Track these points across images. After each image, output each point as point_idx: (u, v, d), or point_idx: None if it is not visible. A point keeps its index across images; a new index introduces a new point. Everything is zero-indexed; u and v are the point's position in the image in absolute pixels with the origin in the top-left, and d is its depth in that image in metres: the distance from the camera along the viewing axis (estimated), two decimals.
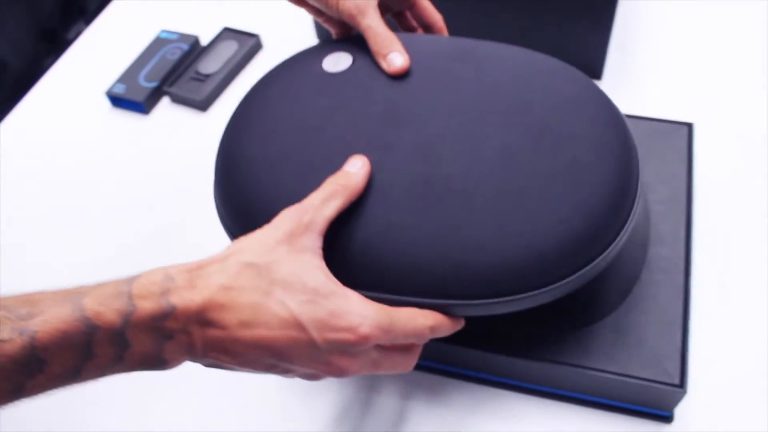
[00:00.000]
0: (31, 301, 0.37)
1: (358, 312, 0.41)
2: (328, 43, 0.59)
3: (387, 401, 0.58)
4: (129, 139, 0.82)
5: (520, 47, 0.56)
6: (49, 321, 0.36)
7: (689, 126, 0.67)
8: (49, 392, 0.38)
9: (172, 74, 0.86)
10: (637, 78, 0.79)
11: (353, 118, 0.51)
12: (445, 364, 0.58)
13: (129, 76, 0.86)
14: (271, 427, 0.57)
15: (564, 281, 0.46)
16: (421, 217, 0.46)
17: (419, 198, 0.47)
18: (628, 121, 0.53)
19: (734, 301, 0.60)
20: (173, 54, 0.88)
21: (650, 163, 0.64)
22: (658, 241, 0.59)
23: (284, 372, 0.43)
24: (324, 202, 0.44)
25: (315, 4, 0.57)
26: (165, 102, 0.86)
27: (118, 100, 0.85)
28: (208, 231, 0.71)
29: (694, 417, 0.54)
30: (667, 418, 0.54)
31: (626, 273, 0.56)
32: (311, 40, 0.89)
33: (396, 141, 0.49)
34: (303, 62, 0.57)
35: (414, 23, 0.63)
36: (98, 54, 0.93)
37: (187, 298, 0.39)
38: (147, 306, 0.39)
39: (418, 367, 0.58)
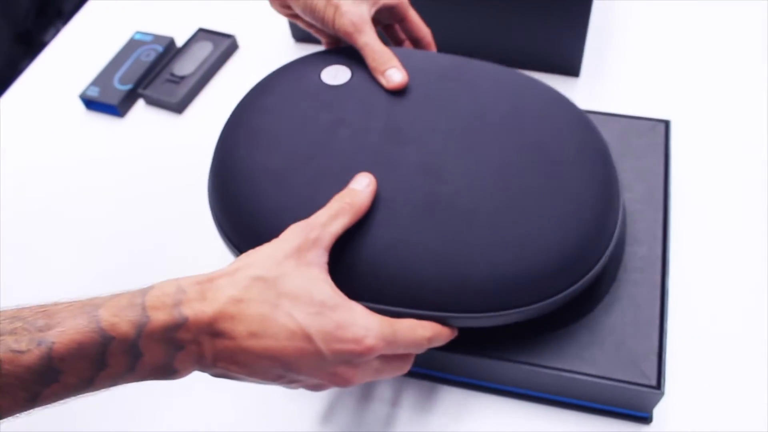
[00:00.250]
0: (47, 312, 0.38)
1: (363, 324, 0.43)
2: (323, 54, 0.60)
3: (373, 407, 0.57)
4: (104, 143, 0.81)
5: (509, 68, 0.58)
6: (66, 332, 0.37)
7: (666, 123, 0.66)
8: (62, 401, 0.39)
9: (147, 76, 0.85)
10: (614, 76, 0.79)
11: (356, 133, 0.52)
12: (426, 368, 0.58)
13: (103, 78, 0.85)
14: None
15: (558, 296, 0.49)
16: (424, 233, 0.48)
17: (422, 215, 0.48)
18: (601, 122, 0.57)
19: (711, 300, 0.60)
20: (148, 56, 0.86)
21: (627, 161, 0.64)
22: (635, 240, 0.58)
23: (290, 382, 0.44)
24: (331, 219, 0.46)
25: (310, 20, 0.59)
26: (140, 105, 0.84)
27: (92, 103, 0.84)
28: (185, 234, 0.71)
29: (673, 417, 0.54)
30: (645, 419, 0.54)
31: (602, 273, 0.56)
32: (287, 40, 0.88)
33: (399, 158, 0.51)
34: (300, 72, 0.58)
35: (402, 36, 0.64)
36: (72, 56, 0.92)
37: (198, 309, 0.40)
38: (160, 317, 0.39)
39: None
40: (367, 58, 0.56)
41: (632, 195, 0.61)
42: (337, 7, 0.56)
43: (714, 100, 0.75)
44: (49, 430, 0.55)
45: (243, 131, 0.55)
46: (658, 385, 0.50)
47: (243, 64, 0.87)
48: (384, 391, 0.58)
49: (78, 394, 0.39)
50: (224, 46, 0.87)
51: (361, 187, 0.48)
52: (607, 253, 0.52)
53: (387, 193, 0.49)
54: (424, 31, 0.63)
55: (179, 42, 0.89)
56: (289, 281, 0.42)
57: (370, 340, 0.43)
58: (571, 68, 0.78)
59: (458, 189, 0.49)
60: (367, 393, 0.58)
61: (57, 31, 0.99)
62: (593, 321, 0.54)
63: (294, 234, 0.45)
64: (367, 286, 0.48)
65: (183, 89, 0.83)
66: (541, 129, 0.53)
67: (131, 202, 0.75)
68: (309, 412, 0.57)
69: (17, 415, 0.38)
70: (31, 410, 0.38)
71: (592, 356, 0.52)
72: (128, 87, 0.83)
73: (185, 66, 0.85)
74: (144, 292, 0.41)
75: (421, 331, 0.46)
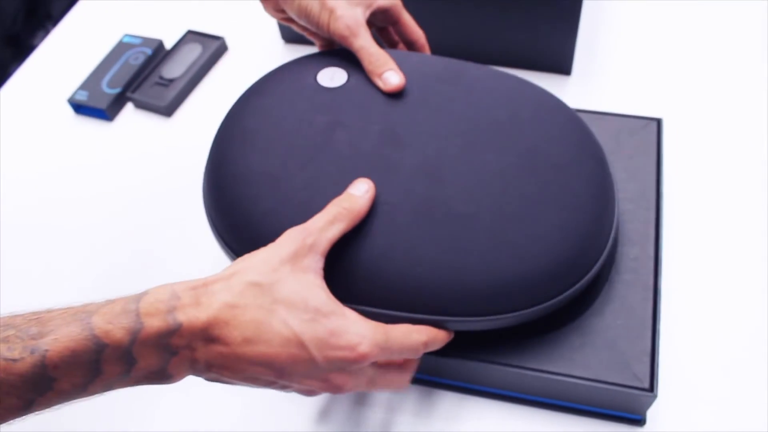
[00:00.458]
0: (40, 319, 0.38)
1: (357, 331, 0.43)
2: (319, 56, 0.60)
3: (371, 413, 0.57)
4: (93, 147, 0.81)
5: (505, 72, 0.58)
6: (59, 340, 0.37)
7: (658, 121, 0.66)
8: (56, 407, 0.39)
9: (136, 80, 0.84)
10: (605, 74, 0.78)
11: (353, 136, 0.52)
12: (418, 372, 0.57)
13: (91, 82, 0.84)
14: None
15: (555, 299, 0.49)
16: (421, 237, 0.48)
17: (419, 219, 0.48)
18: (592, 121, 0.57)
19: (704, 301, 0.59)
20: (136, 59, 0.86)
21: (619, 159, 0.63)
22: (627, 240, 0.58)
23: (282, 388, 0.44)
24: (328, 225, 0.46)
25: (305, 24, 0.59)
26: (129, 108, 0.84)
27: (80, 108, 0.83)
28: (176, 237, 0.70)
29: (666, 420, 0.54)
30: (639, 421, 0.54)
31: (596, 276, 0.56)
32: (277, 41, 0.88)
33: (396, 162, 0.51)
34: (296, 74, 0.58)
35: (396, 38, 0.64)
36: (61, 60, 0.91)
37: (192, 315, 0.40)
38: (154, 323, 0.39)
39: None
40: (363, 61, 0.56)
41: (624, 194, 0.61)
42: (331, 11, 0.56)
43: (706, 98, 0.74)
44: (47, 430, 0.55)
45: (238, 133, 0.54)
46: (651, 388, 0.50)
47: (232, 66, 0.87)
48: (379, 396, 0.57)
49: (72, 400, 0.39)
50: (213, 48, 0.86)
51: (360, 192, 0.48)
52: (603, 257, 0.52)
53: (383, 196, 0.49)
54: (417, 33, 0.63)
55: (168, 44, 0.89)
56: (284, 287, 0.42)
57: (363, 348, 0.42)
58: (563, 66, 0.77)
59: (455, 193, 0.49)
60: (362, 397, 0.57)
61: (46, 34, 0.98)
62: (585, 323, 0.54)
63: (290, 239, 0.44)
64: (363, 289, 0.48)
65: (172, 92, 0.82)
66: (538, 133, 0.53)
67: (121, 206, 0.74)
68: (306, 412, 0.57)
69: (10, 421, 0.37)
70: (24, 417, 0.38)
71: (583, 359, 0.52)
72: (117, 91, 0.83)
73: (174, 69, 0.84)
74: (138, 298, 0.40)
75: (416, 336, 0.46)
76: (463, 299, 0.47)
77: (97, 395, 0.40)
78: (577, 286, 0.50)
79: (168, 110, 0.81)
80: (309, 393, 0.46)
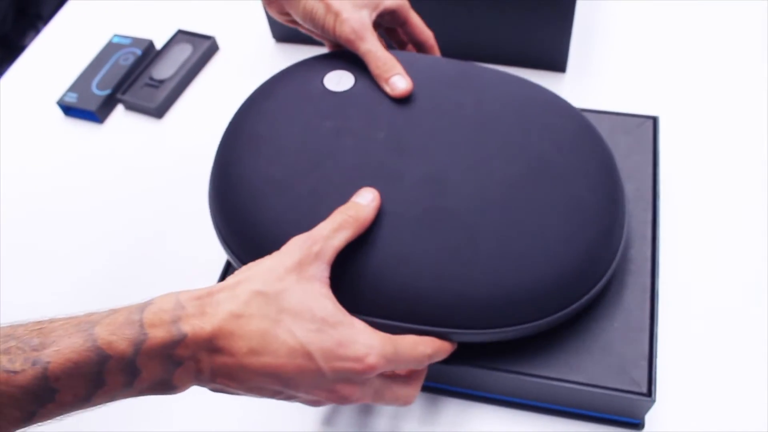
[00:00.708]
0: (42, 330, 0.38)
1: (365, 342, 0.42)
2: (325, 58, 0.59)
3: (377, 420, 0.56)
4: (83, 150, 0.80)
5: (515, 76, 0.57)
6: (61, 351, 0.37)
7: (654, 119, 0.65)
8: (58, 419, 0.38)
9: (126, 81, 0.83)
10: (601, 71, 0.77)
11: (359, 143, 0.51)
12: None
13: (81, 83, 0.83)
14: None
15: (561, 312, 0.48)
16: (427, 249, 0.47)
17: (426, 230, 0.48)
18: (592, 118, 0.56)
19: (703, 302, 0.58)
20: (126, 59, 0.85)
21: (615, 159, 0.62)
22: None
23: (288, 398, 0.44)
24: (333, 233, 0.45)
25: (310, 28, 0.58)
26: (119, 110, 0.83)
27: (70, 110, 0.82)
28: (168, 239, 0.69)
29: (665, 423, 0.53)
30: (637, 425, 0.53)
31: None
32: (268, 40, 0.87)
33: (403, 171, 0.50)
34: (303, 78, 0.57)
35: (405, 39, 0.64)
36: (50, 61, 0.90)
37: (197, 325, 0.40)
38: (158, 334, 0.39)
39: None
40: (370, 66, 0.55)
41: None
42: (337, 15, 0.55)
43: (703, 96, 0.73)
44: (50, 430, 0.54)
45: (244, 138, 0.54)
46: (649, 393, 0.49)
47: (224, 65, 0.86)
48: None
49: (74, 412, 0.39)
50: (204, 48, 0.85)
51: (365, 201, 0.47)
52: (612, 269, 0.51)
53: (388, 206, 0.48)
54: (426, 33, 0.62)
55: (158, 44, 0.88)
56: (290, 297, 0.42)
57: (371, 359, 0.42)
58: (557, 64, 0.76)
59: (460, 203, 0.49)
60: (367, 404, 0.56)
61: (36, 34, 0.97)
62: (581, 326, 0.53)
63: (296, 247, 0.44)
64: (367, 300, 0.47)
65: (162, 93, 0.81)
66: (547, 141, 0.52)
67: (112, 210, 0.73)
68: (312, 418, 0.56)
69: None
70: (26, 428, 0.37)
71: (580, 363, 0.51)
72: (107, 92, 0.82)
73: (164, 69, 0.83)
74: (141, 308, 0.40)
75: (422, 348, 0.46)
76: (468, 312, 0.47)
77: (100, 406, 0.39)
78: (584, 299, 0.49)
79: (159, 112, 0.80)
80: (315, 403, 0.45)
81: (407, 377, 0.47)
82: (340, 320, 0.42)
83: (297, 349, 0.40)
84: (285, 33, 0.84)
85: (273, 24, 0.85)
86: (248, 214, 0.50)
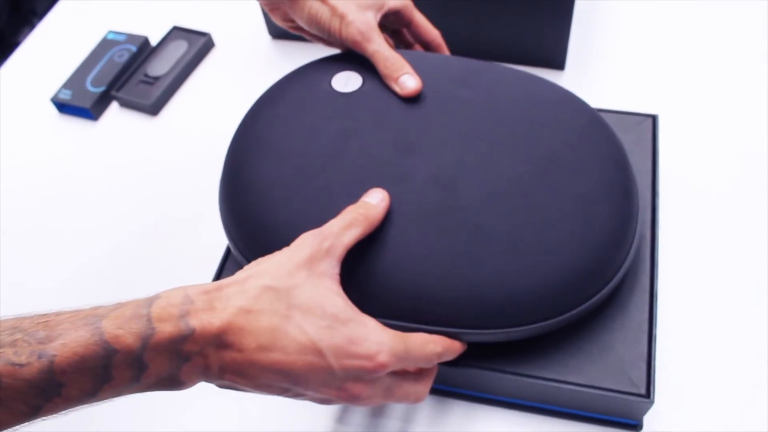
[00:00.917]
0: (49, 323, 0.37)
1: (376, 339, 0.42)
2: (333, 59, 0.59)
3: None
4: (78, 147, 0.79)
5: (525, 72, 0.57)
6: (67, 345, 0.36)
7: (654, 118, 0.64)
8: (64, 413, 0.38)
9: (120, 78, 0.82)
10: (600, 69, 0.77)
11: (367, 144, 0.51)
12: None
13: (75, 80, 0.82)
14: None
15: (573, 312, 0.48)
16: (436, 249, 0.47)
17: (434, 230, 0.47)
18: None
19: (702, 302, 0.58)
20: (121, 56, 0.84)
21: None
22: None
23: (296, 396, 0.43)
24: (343, 230, 0.45)
25: (316, 32, 0.58)
26: (114, 107, 0.82)
27: (64, 107, 0.82)
28: (164, 237, 0.69)
29: (664, 425, 0.52)
30: (635, 427, 0.52)
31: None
32: (264, 36, 0.86)
33: (411, 171, 0.50)
34: (311, 79, 0.57)
35: (411, 39, 0.63)
36: (44, 58, 0.89)
37: (206, 320, 0.39)
38: (166, 329, 0.38)
39: None
40: (378, 66, 0.55)
41: None
42: (342, 17, 0.55)
43: (703, 94, 0.73)
44: (55, 430, 0.53)
45: (252, 142, 0.54)
46: (648, 394, 0.48)
47: (219, 62, 0.85)
48: (393, 405, 0.56)
49: (80, 406, 0.38)
50: (199, 45, 0.84)
51: (375, 201, 0.47)
52: (625, 266, 0.50)
53: (397, 207, 0.48)
54: (433, 33, 0.62)
55: (153, 41, 0.87)
56: (300, 292, 0.41)
57: (382, 357, 0.41)
58: (556, 61, 0.76)
59: (469, 202, 0.48)
60: (375, 407, 0.56)
61: (31, 30, 0.96)
62: (580, 327, 0.52)
63: (306, 243, 0.43)
64: (376, 301, 0.47)
65: (157, 90, 0.80)
66: (558, 138, 0.52)
67: (106, 207, 0.73)
68: (321, 421, 0.56)
69: (17, 427, 0.36)
70: (32, 422, 0.37)
71: (578, 364, 0.50)
72: (101, 89, 0.81)
73: (159, 66, 0.82)
74: (149, 302, 0.39)
75: (432, 346, 0.45)
76: (479, 312, 0.46)
77: (106, 401, 0.39)
78: (596, 297, 0.49)
79: (154, 109, 0.80)
80: (323, 402, 0.44)
81: (417, 374, 0.47)
82: (350, 317, 0.42)
83: (307, 346, 0.40)
84: (281, 30, 0.83)
85: (269, 20, 0.84)
86: (257, 217, 0.50)
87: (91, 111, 0.80)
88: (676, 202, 0.64)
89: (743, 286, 0.58)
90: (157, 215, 0.71)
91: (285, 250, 0.44)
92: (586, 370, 0.50)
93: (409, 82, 0.54)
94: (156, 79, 0.81)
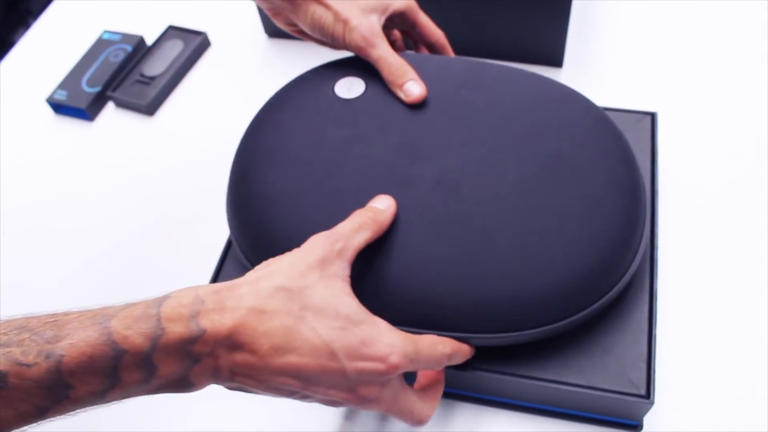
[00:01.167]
0: (57, 322, 0.36)
1: (387, 341, 0.42)
2: (335, 65, 0.59)
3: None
4: (74, 148, 0.78)
5: (530, 72, 0.57)
6: (75, 345, 0.35)
7: (652, 115, 0.64)
8: (72, 414, 0.37)
9: (116, 78, 0.82)
10: (598, 66, 0.76)
11: (371, 150, 0.52)
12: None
13: (71, 81, 0.82)
14: None
15: (582, 313, 0.48)
16: (442, 254, 0.47)
17: (440, 235, 0.47)
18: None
19: (702, 302, 0.58)
20: (116, 56, 0.83)
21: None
22: None
23: (304, 398, 0.43)
24: (354, 232, 0.45)
25: (319, 37, 0.57)
26: (110, 107, 0.82)
27: (60, 107, 0.81)
28: (160, 239, 0.68)
29: (663, 425, 0.52)
30: (636, 427, 0.52)
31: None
32: (260, 35, 0.85)
33: (415, 176, 0.50)
34: (314, 85, 0.57)
35: (417, 40, 0.63)
36: (39, 58, 0.89)
37: (217, 321, 0.38)
38: (176, 329, 0.37)
39: None
40: (382, 72, 0.55)
41: None
42: (346, 23, 0.55)
43: (702, 92, 0.72)
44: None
45: (258, 150, 0.54)
46: (648, 395, 0.48)
47: (216, 61, 0.84)
48: None
49: (88, 408, 0.37)
50: (195, 44, 0.84)
51: (383, 206, 0.48)
52: (634, 266, 0.50)
53: (404, 212, 0.48)
54: (437, 34, 0.62)
55: (149, 40, 0.87)
56: (313, 293, 0.41)
57: (394, 358, 0.41)
58: (554, 59, 0.75)
59: (476, 207, 0.48)
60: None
61: (26, 30, 0.96)
62: (580, 328, 0.52)
63: (318, 244, 0.43)
64: (384, 307, 0.46)
65: (153, 90, 0.80)
66: (563, 138, 0.51)
67: (102, 208, 0.72)
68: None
69: (23, 429, 0.36)
70: (39, 423, 0.36)
71: (579, 365, 0.50)
72: (97, 89, 0.80)
73: (155, 66, 0.82)
74: (159, 301, 0.39)
75: (441, 348, 0.45)
76: (486, 316, 0.46)
77: (115, 403, 0.38)
78: (604, 300, 0.48)
79: (150, 109, 0.79)
80: (332, 404, 0.44)
81: (424, 392, 0.47)
82: (362, 318, 0.42)
83: (320, 348, 0.40)
84: (277, 28, 0.83)
85: (265, 19, 0.83)
86: (265, 226, 0.50)
87: (87, 111, 0.79)
88: (675, 201, 0.63)
89: (743, 286, 0.58)
90: (154, 215, 0.71)
91: (296, 251, 0.43)
92: (587, 372, 0.50)
93: (413, 88, 0.54)
94: (152, 78, 0.81)
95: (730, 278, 0.58)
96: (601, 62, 0.77)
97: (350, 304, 0.42)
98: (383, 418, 0.55)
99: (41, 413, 0.36)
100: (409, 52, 0.60)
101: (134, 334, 0.37)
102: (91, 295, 0.65)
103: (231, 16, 0.88)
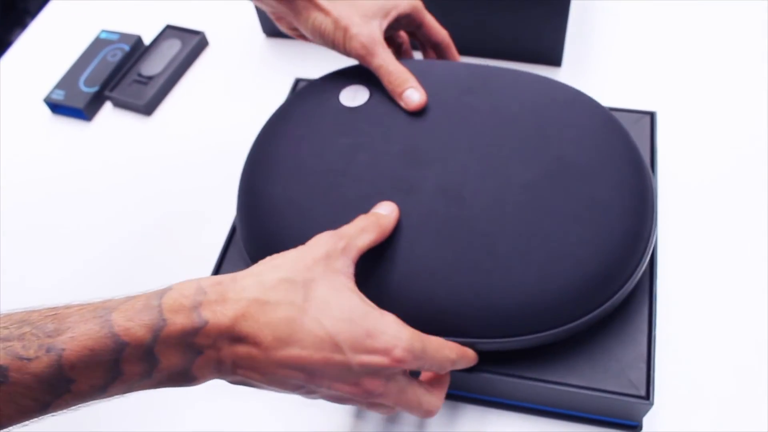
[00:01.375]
0: (58, 316, 0.36)
1: (393, 334, 0.41)
2: (342, 73, 0.59)
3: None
4: (71, 148, 0.78)
5: (534, 74, 0.57)
6: (76, 338, 0.35)
7: (652, 115, 0.64)
8: (73, 408, 0.37)
9: (114, 77, 0.82)
10: (597, 66, 0.76)
11: (375, 158, 0.52)
12: None
13: (68, 80, 0.82)
14: None
15: (587, 317, 0.47)
16: (447, 260, 0.47)
17: (444, 241, 0.47)
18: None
19: (702, 304, 0.57)
20: (114, 56, 0.83)
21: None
22: None
23: (309, 393, 0.42)
24: (357, 233, 0.45)
25: (320, 44, 0.58)
26: (107, 107, 0.81)
27: (57, 107, 0.81)
28: (159, 239, 0.68)
29: (663, 426, 0.52)
30: (635, 428, 0.52)
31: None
32: (258, 35, 0.85)
33: (419, 183, 0.50)
34: (320, 95, 0.58)
35: (422, 40, 0.63)
36: (36, 58, 0.89)
37: (219, 312, 0.38)
38: (178, 320, 0.37)
39: None
40: (383, 80, 0.55)
41: None
42: (346, 30, 0.54)
43: (701, 91, 0.72)
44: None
45: (266, 161, 0.55)
46: (647, 396, 0.48)
47: (213, 61, 0.84)
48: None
49: (90, 402, 0.37)
50: (193, 43, 0.83)
51: (385, 212, 0.48)
52: (639, 271, 0.49)
53: (408, 218, 0.49)
54: (442, 34, 0.62)
55: (147, 40, 0.86)
56: (317, 286, 0.41)
57: (399, 352, 0.41)
58: (553, 58, 0.75)
59: (478, 212, 0.48)
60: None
61: (23, 30, 0.95)
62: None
63: (322, 241, 0.43)
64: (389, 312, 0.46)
65: (151, 90, 0.79)
66: (568, 140, 0.51)
67: (100, 208, 0.72)
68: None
69: (25, 423, 0.35)
70: (40, 418, 0.36)
71: (578, 366, 0.50)
72: (94, 89, 0.80)
73: (153, 65, 0.82)
74: (161, 293, 0.38)
75: (447, 352, 0.45)
76: (491, 321, 0.46)
77: (117, 397, 0.38)
78: (609, 304, 0.48)
79: (147, 109, 0.79)
80: (337, 399, 0.43)
81: (430, 384, 0.47)
82: (367, 311, 0.41)
83: (324, 340, 0.39)
84: (275, 28, 0.82)
85: (263, 18, 0.83)
86: (272, 236, 0.51)
87: (85, 111, 0.79)
88: (675, 201, 0.63)
89: (743, 286, 0.58)
90: (152, 215, 0.70)
91: (300, 247, 0.43)
92: (587, 373, 0.50)
93: (413, 96, 0.54)
94: (150, 78, 0.80)
95: (730, 278, 0.58)
96: (600, 61, 0.76)
97: (354, 297, 0.42)
98: (390, 420, 0.55)
99: (43, 408, 0.35)
100: (414, 59, 0.60)
101: (136, 326, 0.36)
102: (90, 295, 0.64)
103: (229, 15, 0.88)
